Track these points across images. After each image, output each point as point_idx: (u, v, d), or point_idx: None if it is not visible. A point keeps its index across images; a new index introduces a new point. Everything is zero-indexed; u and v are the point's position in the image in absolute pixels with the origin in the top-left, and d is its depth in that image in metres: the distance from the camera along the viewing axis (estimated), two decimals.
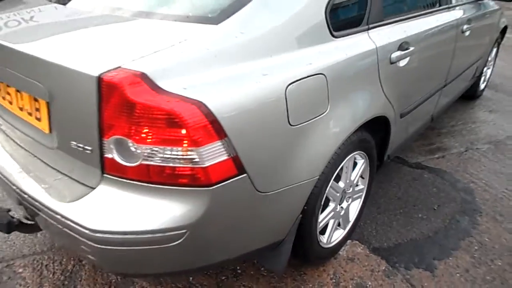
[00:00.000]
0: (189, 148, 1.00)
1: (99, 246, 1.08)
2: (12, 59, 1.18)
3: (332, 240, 1.75)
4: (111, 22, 1.27)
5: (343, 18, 1.48)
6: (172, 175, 1.04)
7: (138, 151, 1.02)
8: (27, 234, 1.87)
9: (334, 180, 1.54)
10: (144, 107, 0.96)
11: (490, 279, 1.74)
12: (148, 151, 1.01)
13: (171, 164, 1.03)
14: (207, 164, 1.03)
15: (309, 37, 1.29)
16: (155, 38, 1.11)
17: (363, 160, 1.74)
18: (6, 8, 1.57)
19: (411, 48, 1.75)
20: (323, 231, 1.67)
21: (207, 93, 1.01)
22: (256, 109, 1.10)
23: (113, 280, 1.66)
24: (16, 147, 1.42)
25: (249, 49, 1.13)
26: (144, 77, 0.96)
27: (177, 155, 1.01)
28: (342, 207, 1.74)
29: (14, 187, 1.27)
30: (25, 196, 1.23)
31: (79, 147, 1.10)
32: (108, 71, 0.96)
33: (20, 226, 1.45)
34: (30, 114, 1.25)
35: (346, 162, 1.57)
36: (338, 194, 1.65)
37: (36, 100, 1.19)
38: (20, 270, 1.69)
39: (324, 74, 1.29)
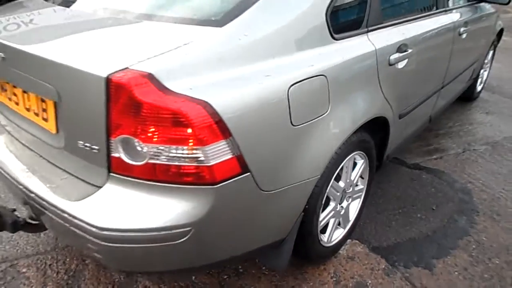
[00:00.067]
0: (195, 147, 1.03)
1: (106, 244, 1.10)
2: (21, 60, 1.20)
3: (332, 239, 1.77)
4: (117, 24, 1.30)
5: (343, 21, 1.51)
6: (178, 173, 1.07)
7: (145, 150, 1.04)
8: (30, 235, 1.89)
9: (334, 179, 1.57)
10: (151, 107, 0.99)
11: (488, 277, 1.77)
12: (155, 150, 1.04)
13: (176, 163, 1.05)
14: (212, 162, 1.05)
15: (310, 39, 1.32)
16: (160, 40, 1.14)
17: (362, 160, 1.77)
18: (10, 11, 1.60)
19: (409, 50, 1.78)
20: (323, 230, 1.70)
21: (212, 94, 1.04)
22: (259, 109, 1.13)
23: (116, 280, 1.68)
24: (22, 148, 1.44)
25: (252, 51, 1.16)
26: (151, 77, 0.99)
27: (183, 154, 1.04)
28: (342, 207, 1.77)
29: (21, 187, 1.29)
30: (32, 195, 1.25)
31: (86, 146, 1.12)
32: (116, 72, 0.99)
33: (25, 226, 1.47)
34: (37, 114, 1.27)
35: (346, 162, 1.60)
36: (338, 194, 1.67)
37: (43, 100, 1.22)
38: (24, 270, 1.71)
39: (325, 76, 1.32)
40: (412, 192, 2.37)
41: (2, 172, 1.39)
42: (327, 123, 1.36)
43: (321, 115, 1.33)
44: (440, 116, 3.23)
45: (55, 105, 1.17)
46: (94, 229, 1.09)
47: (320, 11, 1.35)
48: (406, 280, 1.73)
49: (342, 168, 1.60)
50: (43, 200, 1.21)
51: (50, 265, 1.74)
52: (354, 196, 1.85)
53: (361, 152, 1.70)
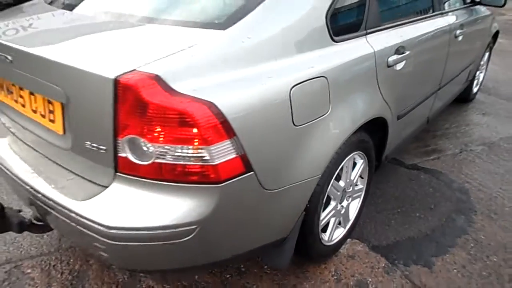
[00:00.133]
0: (200, 147, 1.05)
1: (113, 242, 1.12)
2: (28, 62, 1.23)
3: (333, 238, 1.80)
4: (122, 27, 1.33)
5: (342, 24, 1.55)
6: (183, 172, 1.09)
7: (151, 150, 1.07)
8: (33, 236, 1.90)
9: (335, 179, 1.59)
10: (158, 107, 1.01)
11: (486, 274, 1.80)
12: (161, 149, 1.06)
13: (182, 162, 1.08)
14: (217, 162, 1.08)
15: (311, 41, 1.36)
16: (166, 43, 1.16)
17: (362, 160, 1.80)
18: (15, 15, 1.62)
19: (407, 52, 1.82)
20: (324, 229, 1.73)
21: (217, 95, 1.07)
22: (262, 110, 1.16)
23: (120, 280, 1.70)
24: (27, 149, 1.46)
25: (255, 53, 1.19)
26: (157, 79, 1.01)
27: (189, 153, 1.06)
28: (342, 206, 1.80)
29: (27, 187, 1.31)
30: (39, 195, 1.27)
31: (94, 147, 1.15)
32: (124, 73, 1.01)
33: (30, 226, 1.49)
34: (43, 116, 1.30)
35: (346, 161, 1.63)
36: (338, 193, 1.70)
37: (50, 102, 1.24)
38: (29, 271, 1.73)
39: (325, 77, 1.35)
40: (410, 192, 2.40)
41: (8, 173, 1.41)
42: (327, 124, 1.39)
43: (322, 116, 1.36)
44: (437, 118, 3.27)
45: (63, 107, 1.19)
46: (101, 228, 1.11)
47: (321, 14, 1.39)
48: (405, 278, 1.76)
49: (342, 168, 1.63)
50: (50, 200, 1.23)
51: (54, 265, 1.76)
52: (354, 195, 1.88)
53: (361, 152, 1.73)
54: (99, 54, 1.15)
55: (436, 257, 1.89)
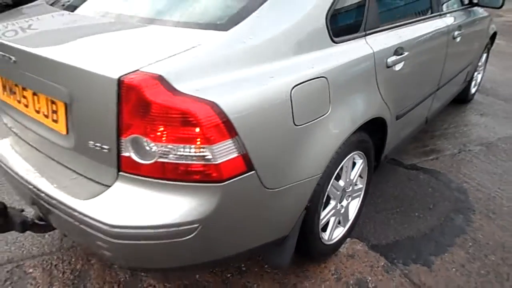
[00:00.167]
0: (203, 146, 1.07)
1: (116, 241, 1.13)
2: (32, 63, 1.24)
3: (333, 237, 1.81)
4: (125, 28, 1.34)
5: (342, 25, 1.56)
6: (186, 171, 1.11)
7: (154, 149, 1.08)
8: (35, 236, 1.91)
9: (334, 178, 1.61)
10: (161, 107, 1.03)
11: (484, 273, 1.82)
12: (164, 149, 1.08)
13: (184, 161, 1.09)
14: (219, 161, 1.09)
15: (312, 42, 1.37)
16: (169, 44, 1.18)
17: (361, 160, 1.82)
18: (18, 16, 1.64)
19: (406, 53, 1.84)
20: (324, 229, 1.74)
21: (219, 95, 1.08)
22: (264, 110, 1.17)
23: (122, 279, 1.71)
24: (30, 149, 1.47)
25: (256, 54, 1.21)
26: (161, 79, 1.03)
27: (191, 152, 1.08)
28: (342, 205, 1.81)
29: (30, 187, 1.32)
30: (42, 194, 1.28)
31: (97, 146, 1.16)
32: (128, 73, 1.03)
33: (33, 226, 1.50)
34: (46, 116, 1.31)
35: (346, 161, 1.65)
36: (338, 193, 1.72)
37: (53, 102, 1.25)
38: (31, 270, 1.74)
39: (325, 77, 1.37)
40: (409, 192, 2.42)
41: (11, 172, 1.42)
42: (328, 123, 1.40)
43: (322, 115, 1.37)
44: (436, 118, 3.30)
45: (66, 107, 1.20)
46: (105, 227, 1.12)
47: (321, 15, 1.40)
48: (405, 276, 1.77)
49: (342, 168, 1.65)
50: (53, 199, 1.24)
51: (56, 265, 1.77)
52: (354, 195, 1.89)
53: (360, 152, 1.75)
54: (102, 55, 1.17)
55: (435, 256, 1.91)
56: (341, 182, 1.72)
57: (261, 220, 1.33)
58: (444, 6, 2.49)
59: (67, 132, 1.25)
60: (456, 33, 2.50)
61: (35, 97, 1.32)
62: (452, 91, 3.08)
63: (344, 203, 1.83)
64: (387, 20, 1.85)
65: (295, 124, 1.27)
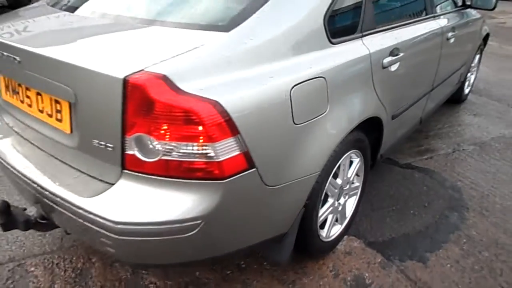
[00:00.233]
0: (205, 144, 1.10)
1: (120, 237, 1.16)
2: (37, 63, 1.26)
3: (331, 235, 1.85)
4: (128, 29, 1.36)
5: (339, 26, 1.60)
6: (189, 169, 1.13)
7: (158, 147, 1.11)
8: (36, 235, 1.93)
9: (332, 176, 1.64)
10: (165, 106, 1.06)
11: (478, 268, 1.86)
12: (167, 147, 1.11)
13: (187, 159, 1.12)
14: (221, 158, 1.12)
15: (310, 43, 1.41)
16: (172, 44, 1.21)
17: (358, 159, 1.85)
18: (20, 16, 1.66)
19: (401, 54, 1.88)
20: (322, 226, 1.78)
21: (222, 94, 1.11)
22: (264, 109, 1.21)
23: (123, 277, 1.73)
24: (32, 148, 1.49)
25: (257, 54, 1.24)
26: (165, 79, 1.06)
27: (194, 150, 1.11)
28: (339, 203, 1.85)
29: (34, 185, 1.34)
30: (46, 193, 1.30)
31: (101, 145, 1.19)
32: (133, 73, 1.06)
33: (36, 224, 1.52)
34: (50, 115, 1.33)
35: (343, 160, 1.68)
36: (336, 190, 1.75)
37: (57, 102, 1.28)
38: (32, 269, 1.75)
39: (324, 77, 1.40)
40: (405, 190, 2.46)
41: (14, 171, 1.44)
42: (326, 122, 1.44)
43: (321, 114, 1.41)
44: (430, 118, 3.34)
45: (70, 106, 1.23)
46: (109, 223, 1.14)
47: (318, 17, 1.44)
48: (401, 272, 1.81)
49: (339, 166, 1.68)
50: (57, 197, 1.26)
51: (57, 264, 1.78)
52: (351, 193, 1.93)
53: (357, 150, 1.79)
54: (107, 55, 1.19)
55: (430, 252, 1.94)
56: (339, 180, 1.75)
57: (261, 217, 1.37)
58: (438, 8, 2.54)
59: (71, 131, 1.27)
60: (449, 34, 2.55)
61: (39, 97, 1.35)
62: (446, 91, 3.14)
63: (342, 201, 1.86)
64: (383, 21, 1.89)
65: (294, 123, 1.31)
